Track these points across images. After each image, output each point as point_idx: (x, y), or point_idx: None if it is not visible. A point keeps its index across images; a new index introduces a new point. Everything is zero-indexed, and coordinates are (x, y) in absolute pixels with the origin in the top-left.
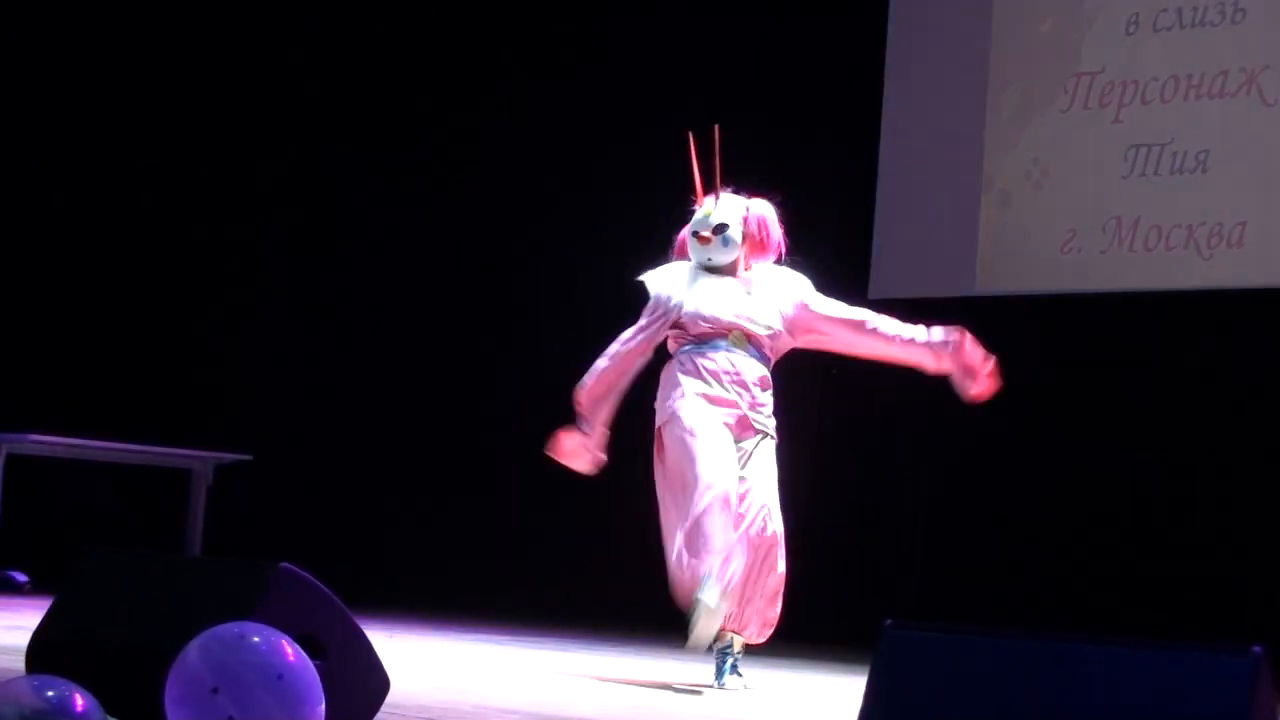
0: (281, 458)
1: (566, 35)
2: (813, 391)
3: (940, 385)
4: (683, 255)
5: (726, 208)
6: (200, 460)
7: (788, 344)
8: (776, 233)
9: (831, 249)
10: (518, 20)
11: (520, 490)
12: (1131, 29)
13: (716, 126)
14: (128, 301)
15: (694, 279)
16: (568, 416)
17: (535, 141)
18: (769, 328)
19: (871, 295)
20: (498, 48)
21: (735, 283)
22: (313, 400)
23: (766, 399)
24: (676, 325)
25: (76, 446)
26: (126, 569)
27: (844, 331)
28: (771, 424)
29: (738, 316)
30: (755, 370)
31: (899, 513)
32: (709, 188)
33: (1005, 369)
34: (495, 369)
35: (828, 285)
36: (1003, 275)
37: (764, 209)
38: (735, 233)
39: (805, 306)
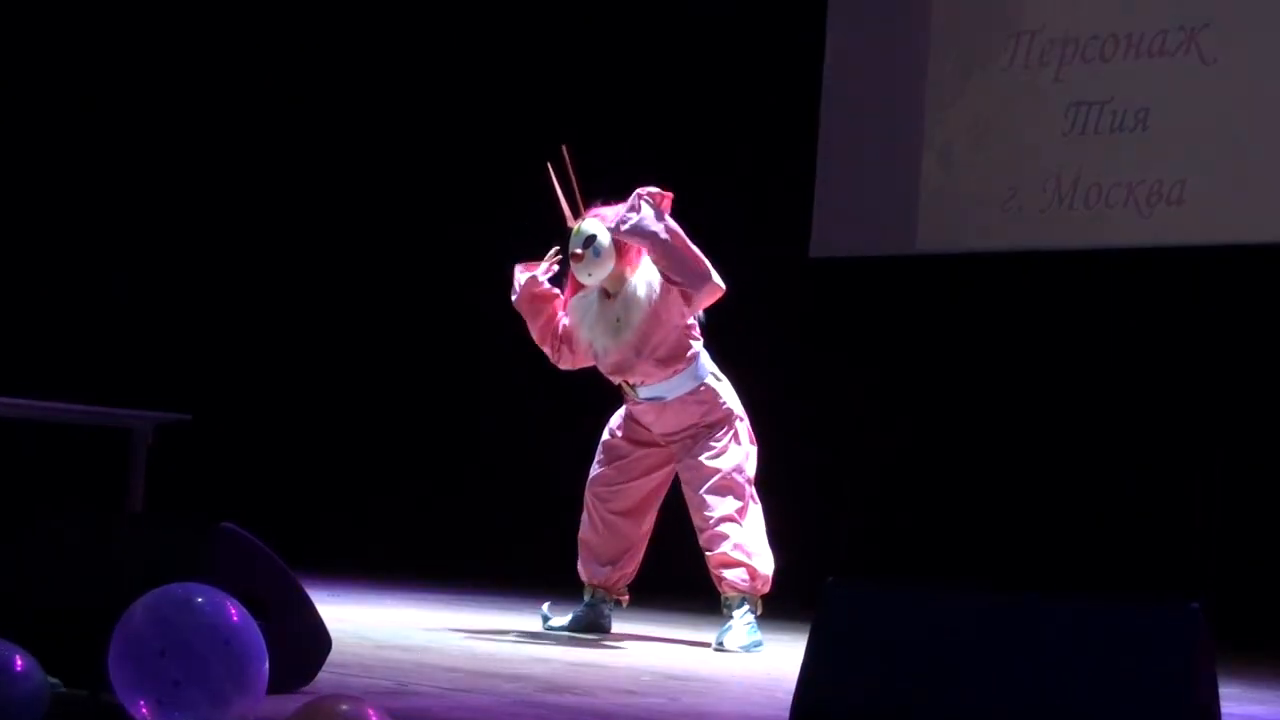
0: (222, 417)
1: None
2: (737, 351)
3: (878, 344)
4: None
5: (592, 221)
6: (140, 420)
7: (681, 312)
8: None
9: (772, 209)
10: None
11: (463, 452)
12: None
13: (565, 147)
14: (68, 260)
15: (586, 313)
16: (507, 378)
17: (489, 114)
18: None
19: (812, 254)
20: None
21: (612, 321)
22: (253, 360)
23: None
24: None
25: (15, 405)
26: (68, 528)
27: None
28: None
29: (613, 374)
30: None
31: (835, 470)
32: (574, 209)
33: (946, 326)
34: (437, 330)
35: (769, 245)
36: (943, 234)
37: (622, 208)
38: (603, 241)
39: (660, 284)
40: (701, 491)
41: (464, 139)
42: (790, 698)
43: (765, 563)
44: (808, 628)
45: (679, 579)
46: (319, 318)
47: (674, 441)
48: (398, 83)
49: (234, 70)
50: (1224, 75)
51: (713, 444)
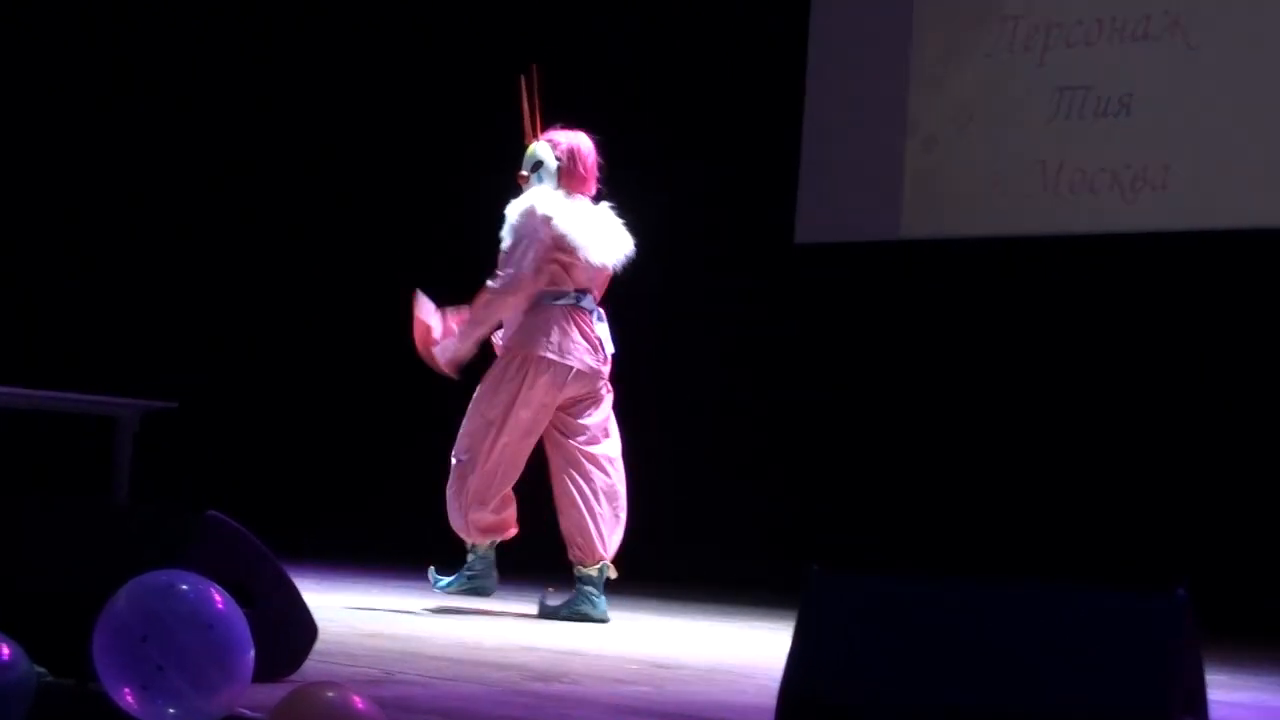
0: (208, 405)
1: None
2: (723, 337)
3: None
4: None
5: (542, 145)
6: (126, 408)
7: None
8: (588, 163)
9: (756, 194)
10: None
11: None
12: None
13: (534, 67)
14: (54, 249)
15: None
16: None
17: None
18: None
19: (798, 240)
20: None
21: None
22: (239, 348)
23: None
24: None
25: (1, 394)
26: (52, 516)
27: None
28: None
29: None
30: None
31: (818, 457)
32: (533, 130)
33: (929, 312)
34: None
35: (753, 230)
36: (928, 219)
37: (575, 140)
38: (549, 167)
39: None
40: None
41: (451, 126)
42: (778, 685)
43: None
44: (794, 615)
45: (666, 566)
46: (305, 305)
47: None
48: (382, 71)
49: (218, 61)
50: (1207, 60)
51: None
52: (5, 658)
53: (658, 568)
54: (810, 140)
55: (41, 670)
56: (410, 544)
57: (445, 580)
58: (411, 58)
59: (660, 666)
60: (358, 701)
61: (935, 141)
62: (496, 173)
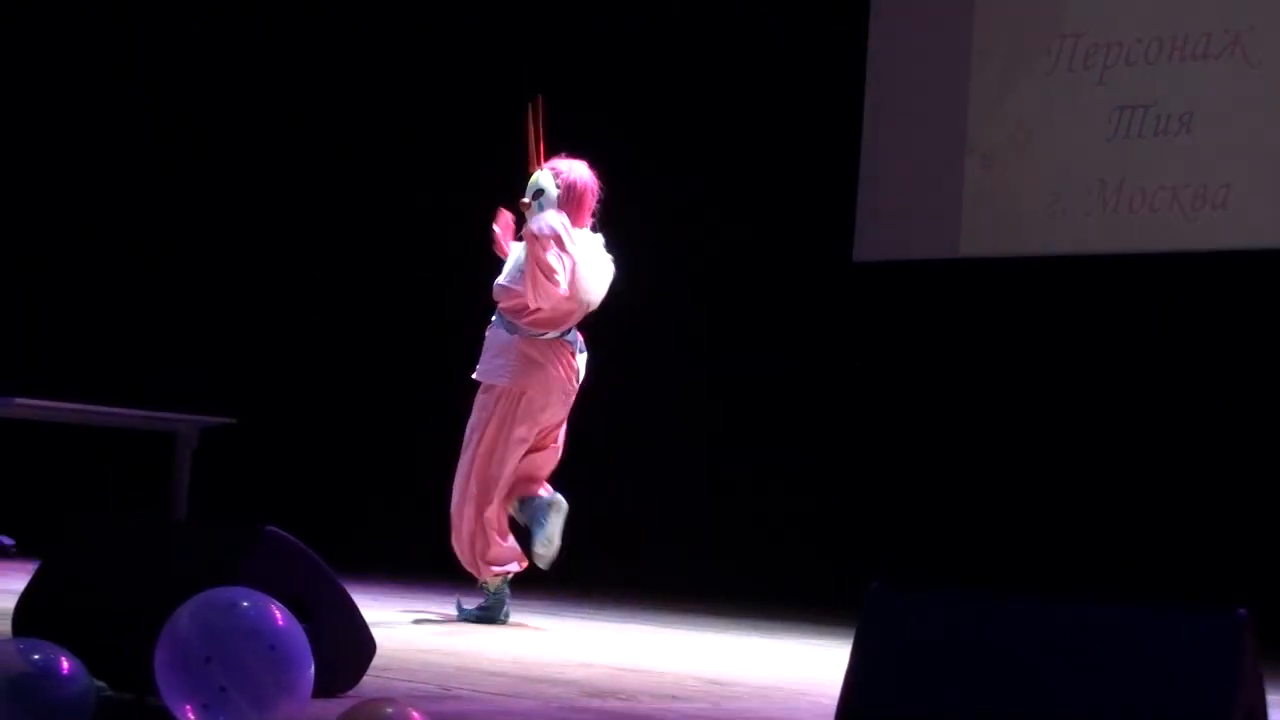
0: (266, 421)
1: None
2: (782, 355)
3: (926, 350)
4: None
5: (544, 174)
6: (185, 424)
7: None
8: (586, 193)
9: (815, 212)
10: None
11: None
12: None
13: (539, 97)
14: (114, 267)
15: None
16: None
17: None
18: None
19: (856, 258)
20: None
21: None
22: (297, 364)
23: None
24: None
25: (61, 410)
26: (112, 532)
27: None
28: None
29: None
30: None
31: (877, 474)
32: (536, 159)
33: (989, 331)
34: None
35: (812, 249)
36: (986, 238)
37: (575, 170)
38: (550, 195)
39: None
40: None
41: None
42: (835, 703)
43: None
44: (852, 632)
45: (723, 582)
46: (364, 322)
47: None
48: (440, 104)
49: (261, 82)
50: (1268, 78)
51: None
52: (65, 672)
53: (715, 584)
54: (869, 158)
55: (101, 684)
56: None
57: (467, 610)
58: (454, 80)
59: (716, 683)
60: (416, 717)
61: (994, 160)
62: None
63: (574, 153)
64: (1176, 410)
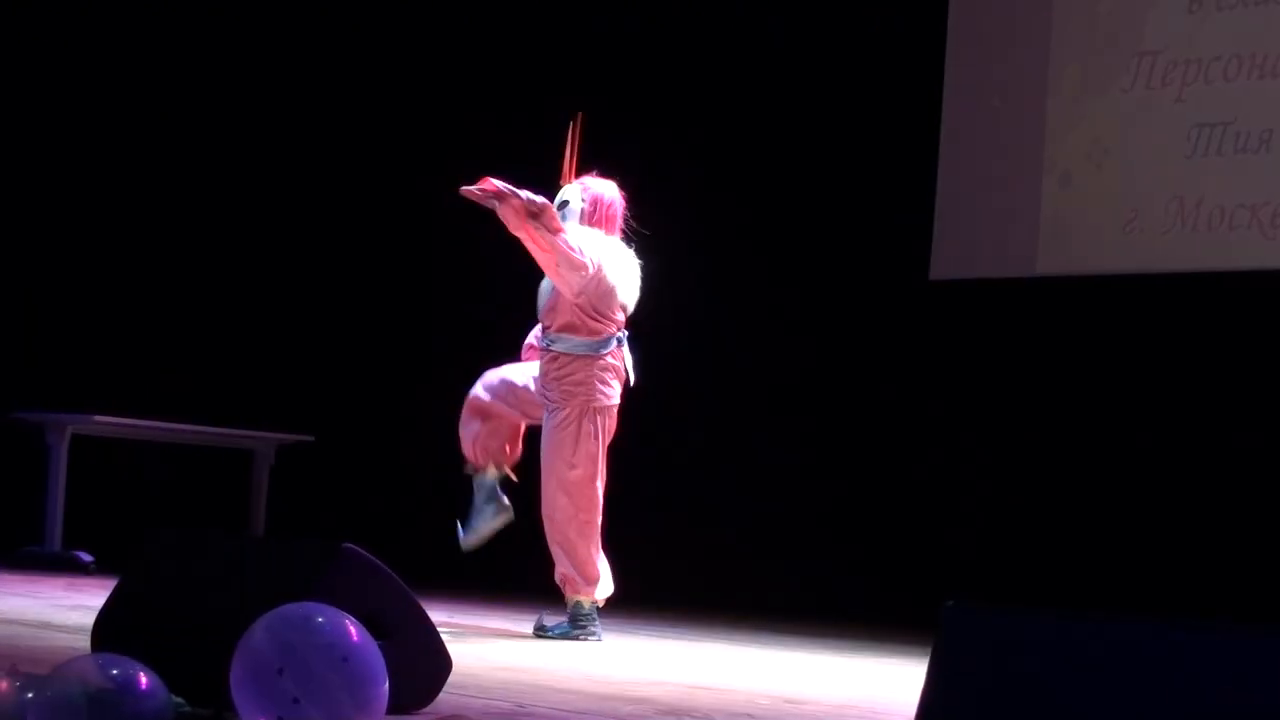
0: (344, 438)
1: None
2: (859, 372)
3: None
4: None
5: (573, 188)
6: (263, 441)
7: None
8: (611, 210)
9: (892, 230)
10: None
11: None
12: (1195, 7)
13: (580, 114)
14: (193, 283)
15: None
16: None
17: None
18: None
19: (933, 276)
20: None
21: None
22: (375, 381)
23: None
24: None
25: (140, 427)
26: (190, 549)
27: None
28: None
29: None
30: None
31: (953, 493)
32: (570, 171)
33: (1067, 349)
34: None
35: (889, 266)
36: (1064, 256)
37: (602, 187)
38: (574, 207)
39: None
40: None
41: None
42: None
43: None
44: (924, 651)
45: (798, 599)
46: (445, 339)
47: None
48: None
49: (326, 106)
50: None
51: None
52: (144, 687)
53: (790, 601)
54: (946, 176)
55: (179, 700)
56: (544, 575)
57: (552, 625)
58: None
59: (791, 701)
60: None
61: (1072, 178)
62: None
63: (621, 169)
64: (1258, 429)
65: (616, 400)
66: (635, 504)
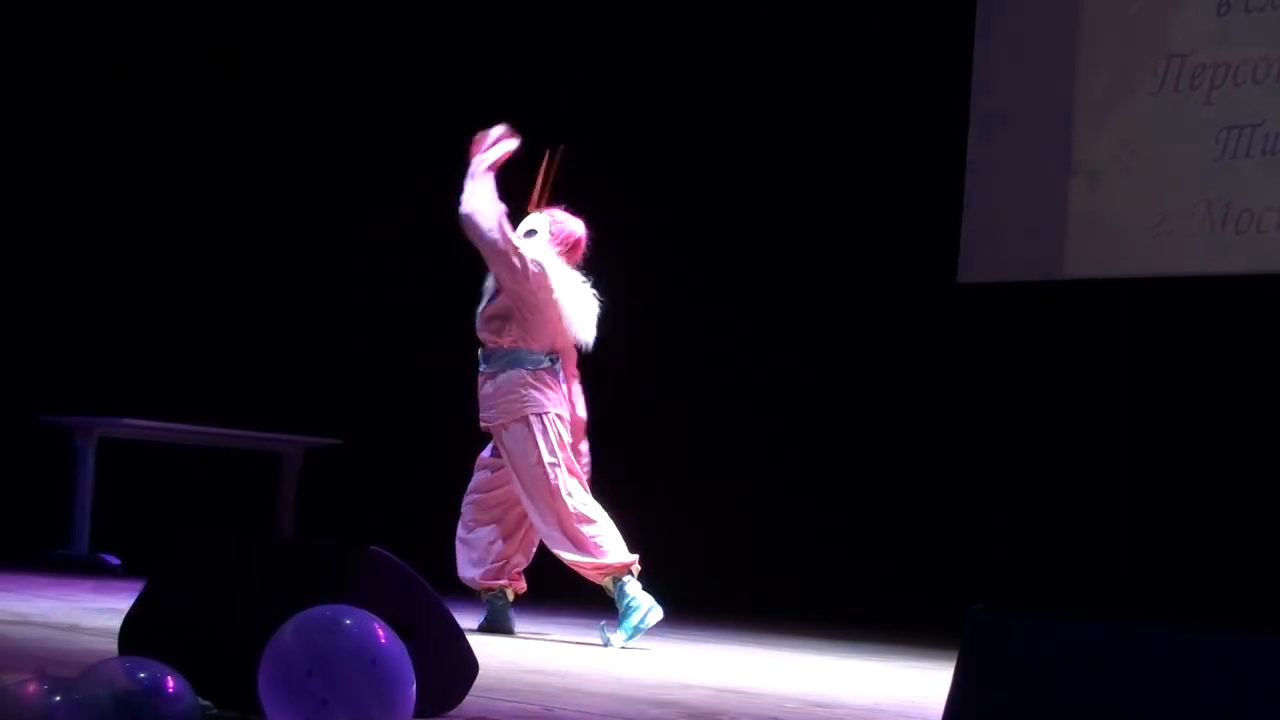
0: (372, 442)
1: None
2: (887, 376)
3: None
4: None
5: (538, 216)
6: (291, 444)
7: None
8: (575, 247)
9: (919, 233)
10: None
11: (611, 472)
12: (1224, 10)
13: (563, 147)
14: (222, 286)
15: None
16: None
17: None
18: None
19: (960, 279)
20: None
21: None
22: (404, 385)
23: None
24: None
25: (168, 430)
26: (218, 552)
27: None
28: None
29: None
30: None
31: (982, 496)
32: (540, 201)
33: (1095, 352)
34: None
35: (916, 270)
36: (1092, 259)
37: (570, 225)
38: (541, 237)
39: None
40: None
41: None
42: None
43: None
44: (950, 655)
45: (824, 604)
46: (471, 344)
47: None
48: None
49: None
50: None
51: None
52: (171, 690)
53: (817, 605)
54: (973, 178)
55: (207, 703)
56: (567, 578)
57: (621, 629)
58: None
59: (819, 705)
60: None
61: (1100, 180)
62: None
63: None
64: None
65: (559, 410)
66: (668, 508)
